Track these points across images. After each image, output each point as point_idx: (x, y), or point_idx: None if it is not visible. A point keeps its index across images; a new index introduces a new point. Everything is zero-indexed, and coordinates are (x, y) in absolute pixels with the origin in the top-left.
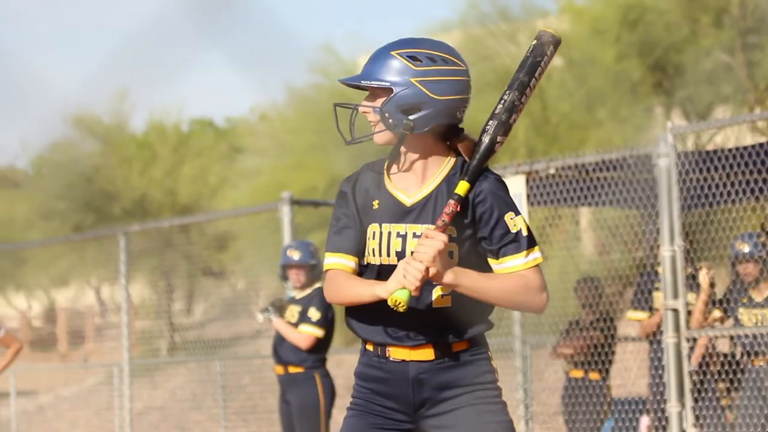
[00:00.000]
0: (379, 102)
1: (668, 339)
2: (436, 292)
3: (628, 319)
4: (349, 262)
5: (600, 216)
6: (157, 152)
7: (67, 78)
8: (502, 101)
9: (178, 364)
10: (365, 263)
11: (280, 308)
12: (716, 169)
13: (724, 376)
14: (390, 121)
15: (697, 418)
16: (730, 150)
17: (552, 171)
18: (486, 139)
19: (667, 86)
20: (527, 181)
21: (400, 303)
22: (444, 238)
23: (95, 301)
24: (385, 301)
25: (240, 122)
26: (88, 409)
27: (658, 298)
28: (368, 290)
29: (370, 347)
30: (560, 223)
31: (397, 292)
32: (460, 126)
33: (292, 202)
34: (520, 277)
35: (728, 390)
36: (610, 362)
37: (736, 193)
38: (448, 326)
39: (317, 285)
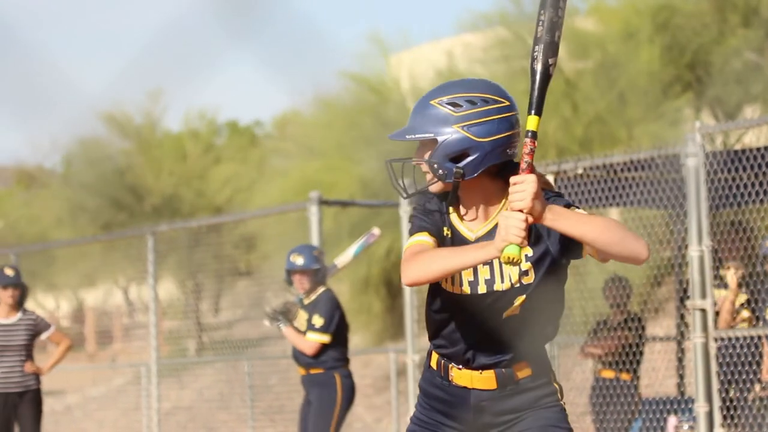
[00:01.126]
0: (428, 154)
1: (696, 339)
2: (518, 300)
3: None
4: (434, 243)
5: (628, 216)
6: (188, 152)
7: (98, 76)
8: (540, 22)
9: (206, 364)
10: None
11: (286, 312)
12: (744, 168)
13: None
14: (440, 171)
15: (725, 418)
16: (758, 149)
17: (580, 171)
18: (538, 67)
19: (695, 86)
20: (555, 180)
21: (513, 258)
22: (533, 178)
23: (123, 301)
24: (460, 311)
25: (270, 124)
26: (115, 409)
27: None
28: (471, 256)
29: (434, 365)
30: None
31: (506, 249)
32: (515, 160)
33: (320, 202)
34: (613, 220)
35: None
36: (638, 362)
37: (765, 192)
38: (515, 341)
39: (321, 290)
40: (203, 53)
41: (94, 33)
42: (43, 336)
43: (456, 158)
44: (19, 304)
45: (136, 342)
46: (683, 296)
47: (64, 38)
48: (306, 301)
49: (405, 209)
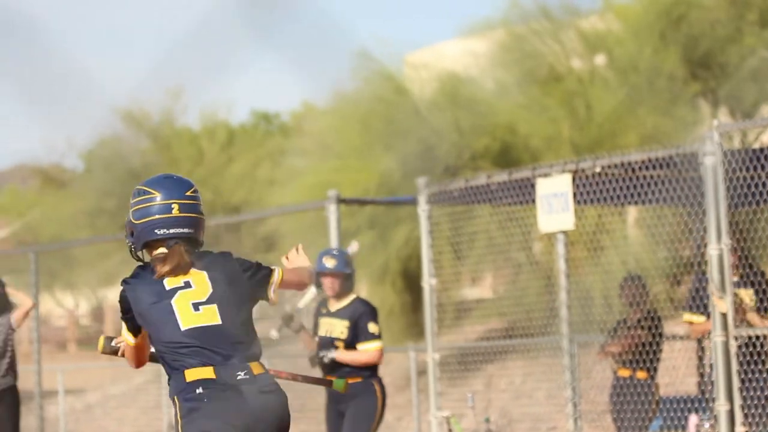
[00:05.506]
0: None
1: (716, 338)
2: None
3: (684, 322)
4: None
5: (646, 214)
6: (205, 151)
7: (118, 75)
8: None
9: None
10: None
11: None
12: (763, 167)
13: None
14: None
15: (746, 416)
16: None
17: (598, 169)
18: None
19: (712, 84)
20: (573, 179)
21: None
22: None
23: None
24: None
25: (286, 121)
26: (135, 407)
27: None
28: None
29: None
30: (608, 221)
31: None
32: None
33: (338, 201)
34: None
35: None
36: (658, 360)
37: None
38: None
39: (353, 296)
40: (227, 51)
41: (116, 30)
42: (13, 323)
43: None
44: None
45: None
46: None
47: (91, 36)
48: (333, 308)
49: (423, 207)
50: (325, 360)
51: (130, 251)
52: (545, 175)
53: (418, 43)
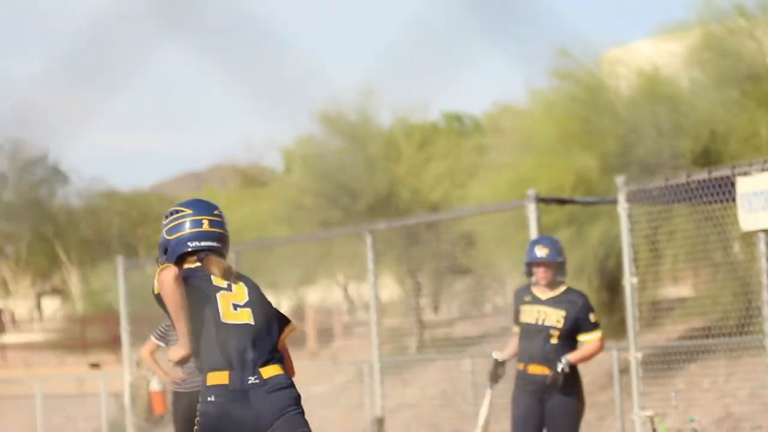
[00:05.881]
0: None
1: None
2: None
3: None
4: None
5: None
6: (402, 150)
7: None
8: None
9: (427, 361)
10: None
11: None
12: None
13: None
14: None
15: None
16: None
17: None
18: None
19: None
20: None
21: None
22: None
23: (343, 298)
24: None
25: (483, 119)
26: (338, 407)
27: None
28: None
29: None
30: None
31: None
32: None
33: (537, 200)
34: None
35: None
36: None
37: None
38: None
39: (564, 285)
40: (456, 51)
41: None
42: None
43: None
44: None
45: (356, 340)
46: None
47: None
48: (543, 296)
49: (623, 206)
50: (566, 369)
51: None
52: (745, 174)
53: (612, 41)
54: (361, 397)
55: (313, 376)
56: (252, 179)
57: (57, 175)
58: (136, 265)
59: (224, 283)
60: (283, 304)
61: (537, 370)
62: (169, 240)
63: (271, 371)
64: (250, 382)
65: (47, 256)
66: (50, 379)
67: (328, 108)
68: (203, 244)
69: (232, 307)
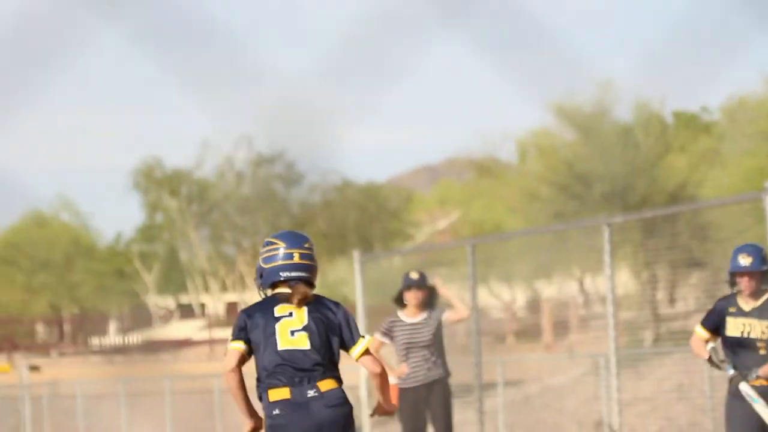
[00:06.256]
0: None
1: None
2: None
3: None
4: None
5: None
6: (640, 142)
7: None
8: None
9: (664, 354)
10: None
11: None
12: None
13: None
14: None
15: None
16: None
17: None
18: None
19: None
20: None
21: None
22: None
23: (578, 291)
24: None
25: (718, 111)
26: (574, 399)
27: None
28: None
29: None
30: None
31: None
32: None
33: None
34: None
35: None
36: None
37: None
38: None
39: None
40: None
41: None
42: (444, 320)
43: None
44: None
45: (592, 333)
46: None
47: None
48: (747, 307)
49: None
50: (755, 379)
51: (258, 289)
52: None
53: None
54: (597, 390)
55: (549, 369)
56: (487, 171)
57: (291, 170)
58: (372, 258)
59: (287, 311)
60: (518, 297)
61: (758, 382)
62: (264, 268)
63: (327, 385)
64: (309, 395)
65: None
66: None
67: (562, 100)
68: (293, 274)
69: (290, 333)
